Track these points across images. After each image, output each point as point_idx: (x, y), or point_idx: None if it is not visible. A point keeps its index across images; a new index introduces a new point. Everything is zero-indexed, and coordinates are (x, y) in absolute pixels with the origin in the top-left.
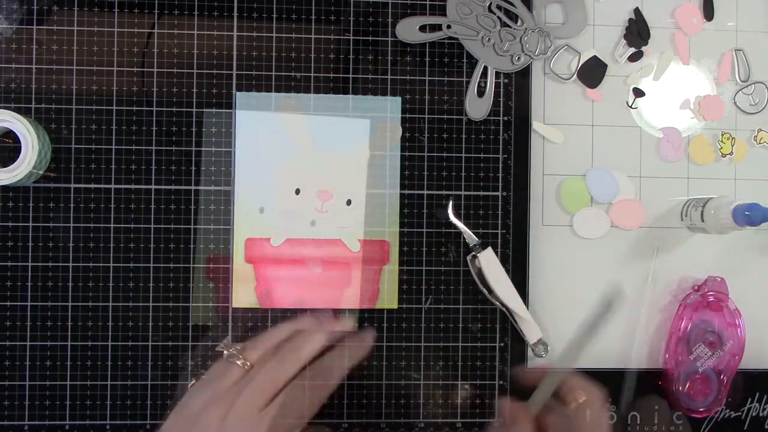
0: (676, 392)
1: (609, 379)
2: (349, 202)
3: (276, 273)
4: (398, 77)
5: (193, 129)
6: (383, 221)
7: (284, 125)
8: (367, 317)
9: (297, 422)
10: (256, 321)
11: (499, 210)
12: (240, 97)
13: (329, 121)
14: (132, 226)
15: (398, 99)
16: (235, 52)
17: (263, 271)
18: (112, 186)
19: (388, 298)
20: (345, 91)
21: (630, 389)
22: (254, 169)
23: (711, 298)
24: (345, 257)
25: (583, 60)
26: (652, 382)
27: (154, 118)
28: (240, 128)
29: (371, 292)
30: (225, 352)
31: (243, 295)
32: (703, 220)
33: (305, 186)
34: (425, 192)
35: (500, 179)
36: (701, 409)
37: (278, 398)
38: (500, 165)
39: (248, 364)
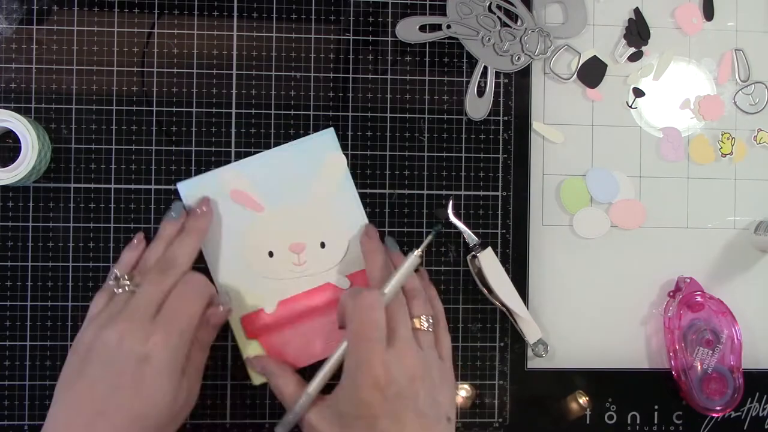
0: (692, 395)
1: (610, 380)
2: (323, 245)
3: (281, 339)
4: (398, 77)
5: (193, 129)
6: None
7: (230, 197)
8: None
9: (189, 324)
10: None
11: (499, 210)
12: (182, 187)
13: (272, 177)
14: (132, 226)
15: (330, 130)
16: (235, 52)
17: (269, 342)
18: (112, 186)
19: None
20: (345, 91)
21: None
22: (221, 252)
23: (689, 301)
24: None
25: (583, 60)
26: (663, 383)
27: (154, 118)
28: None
29: None
30: (111, 281)
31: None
32: None
33: (275, 246)
34: (425, 192)
35: (500, 179)
36: (718, 408)
37: (165, 304)
38: (500, 165)
39: (136, 285)
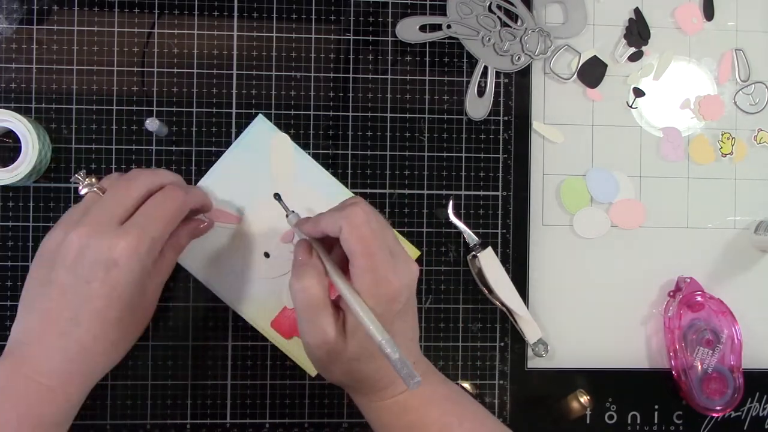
0: (692, 395)
1: (610, 380)
2: None
3: None
4: (398, 77)
5: (193, 129)
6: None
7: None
8: None
9: (163, 233)
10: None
11: (499, 210)
12: None
13: (231, 185)
14: None
15: (260, 116)
16: (235, 52)
17: None
18: None
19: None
20: (345, 91)
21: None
22: (222, 277)
23: (689, 301)
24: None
25: (583, 60)
26: (663, 383)
27: (155, 118)
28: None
29: None
30: (79, 182)
31: None
32: None
33: (267, 246)
34: (425, 192)
35: (500, 179)
36: (718, 408)
37: (140, 209)
38: (500, 165)
39: (102, 188)
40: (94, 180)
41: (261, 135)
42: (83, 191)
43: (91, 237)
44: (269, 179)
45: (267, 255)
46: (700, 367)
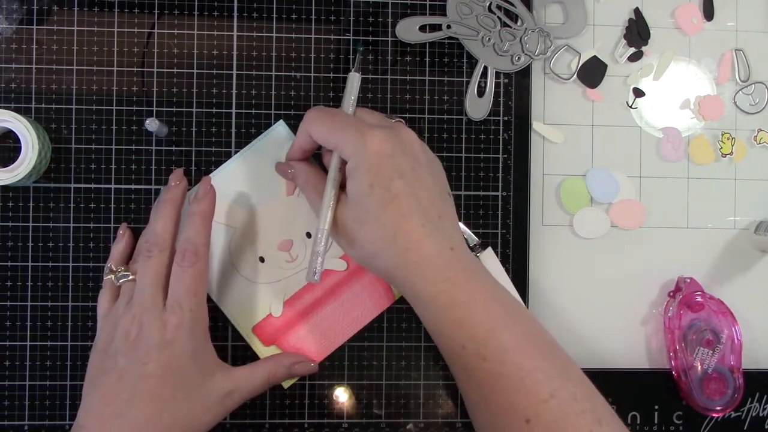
0: (692, 395)
1: (610, 380)
2: (308, 235)
3: (297, 337)
4: (398, 77)
5: (193, 129)
6: None
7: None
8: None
9: (196, 302)
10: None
11: (499, 210)
12: None
13: (239, 185)
14: (132, 226)
15: (281, 122)
16: (235, 52)
17: (286, 343)
18: (112, 186)
19: None
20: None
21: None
22: (214, 272)
23: (689, 301)
24: (340, 281)
25: (583, 60)
26: (663, 383)
27: (154, 118)
28: None
29: (383, 290)
30: (113, 276)
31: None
32: None
33: (264, 251)
34: None
35: (500, 179)
36: (718, 408)
37: (169, 288)
38: (500, 165)
39: (134, 273)
40: (122, 268)
41: (277, 141)
42: (119, 283)
43: (142, 322)
44: (277, 185)
45: (262, 260)
46: (700, 367)
